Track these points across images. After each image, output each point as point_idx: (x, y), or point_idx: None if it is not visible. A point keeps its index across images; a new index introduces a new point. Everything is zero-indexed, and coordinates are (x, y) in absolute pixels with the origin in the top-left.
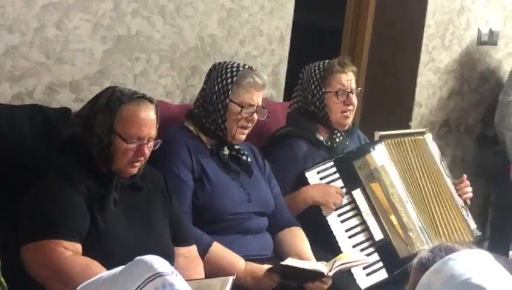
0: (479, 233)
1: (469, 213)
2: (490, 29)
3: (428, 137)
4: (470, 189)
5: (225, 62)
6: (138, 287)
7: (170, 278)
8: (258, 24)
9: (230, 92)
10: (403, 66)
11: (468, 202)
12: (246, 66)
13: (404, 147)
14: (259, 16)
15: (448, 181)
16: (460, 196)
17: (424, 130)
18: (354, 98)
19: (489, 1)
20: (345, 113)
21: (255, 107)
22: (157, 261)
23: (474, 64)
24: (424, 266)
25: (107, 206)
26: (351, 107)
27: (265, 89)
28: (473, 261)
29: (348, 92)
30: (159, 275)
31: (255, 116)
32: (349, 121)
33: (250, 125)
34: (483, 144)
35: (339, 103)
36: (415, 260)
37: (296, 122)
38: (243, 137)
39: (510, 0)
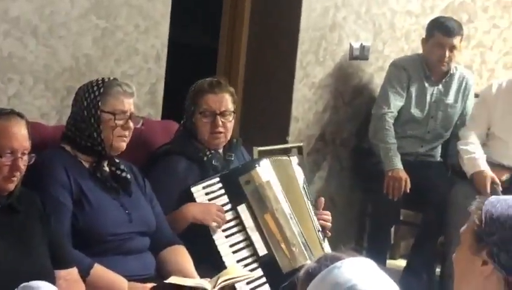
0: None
1: (325, 240)
2: (361, 44)
3: (294, 160)
4: (327, 217)
5: (88, 81)
6: None
7: None
8: (134, 43)
9: (100, 103)
10: (279, 82)
11: (328, 233)
12: (111, 78)
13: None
14: (135, 34)
15: (309, 205)
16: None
17: (301, 144)
18: (220, 120)
19: (359, 17)
20: (214, 135)
21: (128, 114)
22: (45, 287)
23: (347, 78)
24: (310, 276)
25: None
26: (220, 129)
27: (134, 96)
28: (358, 269)
29: (217, 114)
30: None
31: (130, 123)
32: (221, 141)
33: (127, 133)
34: (359, 156)
35: (207, 123)
36: (302, 272)
37: (176, 140)
38: (123, 145)
39: (379, 17)
